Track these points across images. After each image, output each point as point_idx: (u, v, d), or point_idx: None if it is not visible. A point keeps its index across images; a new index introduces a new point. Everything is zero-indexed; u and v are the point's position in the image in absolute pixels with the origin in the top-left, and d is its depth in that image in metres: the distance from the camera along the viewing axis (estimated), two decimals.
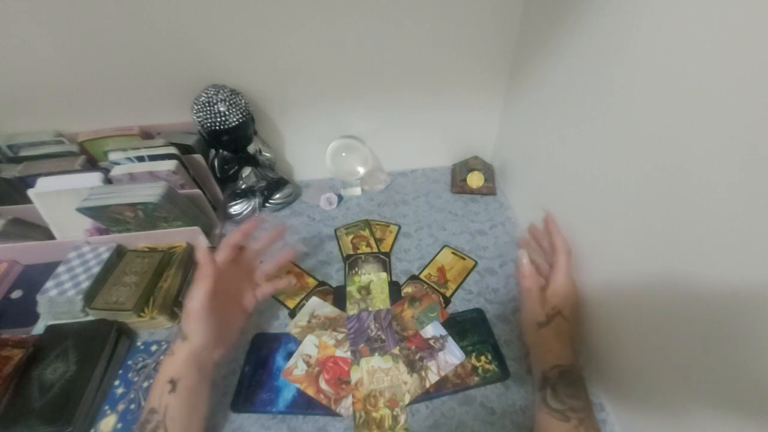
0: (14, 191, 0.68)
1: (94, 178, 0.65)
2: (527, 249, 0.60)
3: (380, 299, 0.64)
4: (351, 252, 0.72)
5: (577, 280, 0.55)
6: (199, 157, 0.72)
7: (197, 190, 0.71)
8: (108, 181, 0.66)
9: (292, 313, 0.63)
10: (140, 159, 0.68)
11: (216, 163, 0.75)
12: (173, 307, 0.61)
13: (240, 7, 0.60)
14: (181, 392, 0.44)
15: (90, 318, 0.59)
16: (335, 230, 0.77)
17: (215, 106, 0.65)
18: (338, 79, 0.72)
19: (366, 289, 0.65)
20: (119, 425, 0.49)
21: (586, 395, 0.46)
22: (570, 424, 0.43)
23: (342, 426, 0.51)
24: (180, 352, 0.46)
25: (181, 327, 0.47)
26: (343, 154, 0.83)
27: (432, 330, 0.59)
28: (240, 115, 0.67)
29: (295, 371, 0.55)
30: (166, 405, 0.43)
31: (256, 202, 0.78)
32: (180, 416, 0.44)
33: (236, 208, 0.77)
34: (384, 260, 0.70)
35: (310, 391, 0.53)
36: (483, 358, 0.56)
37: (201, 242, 0.56)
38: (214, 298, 0.48)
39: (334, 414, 0.52)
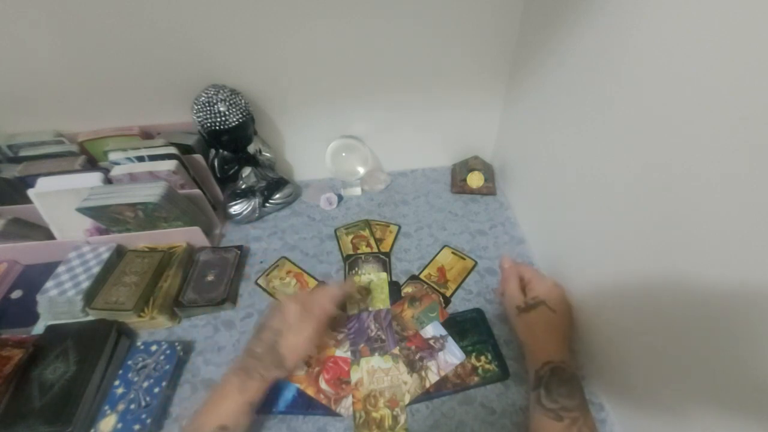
0: (14, 191, 0.68)
1: (94, 178, 0.65)
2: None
3: (380, 299, 0.64)
4: (351, 252, 0.72)
5: (577, 280, 0.55)
6: (199, 157, 0.72)
7: (197, 190, 0.71)
8: (108, 181, 0.67)
9: None
10: (140, 159, 0.68)
11: (216, 163, 0.75)
12: (173, 308, 0.61)
13: (240, 7, 0.60)
14: (252, 414, 0.47)
15: (90, 318, 0.59)
16: (335, 230, 0.77)
17: (215, 106, 0.65)
18: (338, 79, 0.72)
19: (366, 289, 0.65)
20: (119, 425, 0.49)
21: (581, 394, 0.46)
22: (563, 424, 0.43)
23: (342, 426, 0.51)
24: (271, 380, 0.49)
25: (280, 358, 0.49)
26: (343, 154, 0.83)
27: (432, 330, 0.59)
28: (240, 115, 0.67)
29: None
30: (240, 425, 0.45)
31: (256, 202, 0.78)
32: None
33: (236, 208, 0.77)
34: (384, 260, 0.70)
35: (310, 391, 0.53)
36: (483, 358, 0.56)
37: (336, 288, 0.57)
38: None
39: (334, 414, 0.52)
